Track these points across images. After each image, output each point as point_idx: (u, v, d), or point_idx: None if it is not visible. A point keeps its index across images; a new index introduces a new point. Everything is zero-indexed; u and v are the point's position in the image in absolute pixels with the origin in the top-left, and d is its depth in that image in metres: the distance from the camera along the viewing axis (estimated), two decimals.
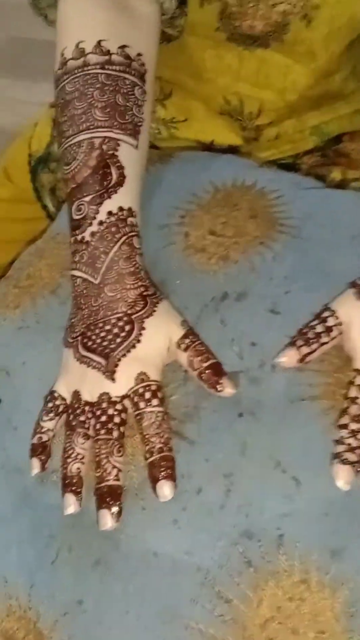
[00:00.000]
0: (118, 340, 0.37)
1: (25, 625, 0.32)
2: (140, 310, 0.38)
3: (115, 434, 0.35)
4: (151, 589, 0.31)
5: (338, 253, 0.40)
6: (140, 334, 0.37)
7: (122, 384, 0.36)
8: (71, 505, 0.34)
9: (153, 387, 0.36)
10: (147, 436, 0.34)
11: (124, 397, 0.36)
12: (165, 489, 0.33)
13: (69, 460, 0.35)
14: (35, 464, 0.36)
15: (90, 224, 0.40)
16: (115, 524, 0.32)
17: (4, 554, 0.33)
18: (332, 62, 0.54)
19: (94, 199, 0.41)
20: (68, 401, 0.38)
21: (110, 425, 0.35)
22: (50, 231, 0.50)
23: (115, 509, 0.33)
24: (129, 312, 0.38)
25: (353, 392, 0.34)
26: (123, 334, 0.37)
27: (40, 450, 0.37)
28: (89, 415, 0.36)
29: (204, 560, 0.30)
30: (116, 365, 0.37)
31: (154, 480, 0.33)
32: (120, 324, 0.38)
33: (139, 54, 0.44)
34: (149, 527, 0.32)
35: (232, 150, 0.60)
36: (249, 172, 0.47)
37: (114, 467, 0.34)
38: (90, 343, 0.38)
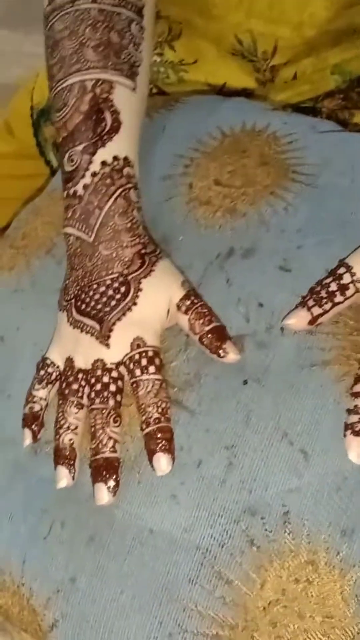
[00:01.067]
0: (113, 302, 0.35)
1: (19, 601, 0.31)
2: (137, 270, 0.35)
3: (110, 402, 0.33)
4: (147, 568, 0.29)
5: (357, 203, 0.36)
6: (137, 296, 0.35)
7: (117, 349, 0.34)
8: (64, 478, 0.32)
9: (150, 353, 0.33)
10: (143, 406, 0.32)
11: (119, 363, 0.34)
12: (162, 462, 0.30)
13: (61, 430, 0.33)
14: (27, 434, 0.34)
15: (83, 176, 0.37)
16: (111, 498, 0.30)
17: None
18: None
19: (86, 147, 0.38)
20: (61, 368, 0.35)
21: (105, 394, 0.33)
22: (48, 187, 0.47)
23: (111, 483, 0.31)
24: (124, 272, 0.35)
25: None
26: (118, 296, 0.35)
27: (32, 420, 0.35)
28: (83, 383, 0.34)
29: (203, 538, 0.28)
30: (111, 330, 0.34)
31: (151, 453, 0.31)
32: (116, 285, 0.35)
33: None
34: (145, 502, 0.30)
35: (245, 93, 0.56)
36: (260, 116, 0.43)
37: (110, 438, 0.32)
38: (84, 306, 0.35)
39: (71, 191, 0.38)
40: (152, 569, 0.29)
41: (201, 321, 0.34)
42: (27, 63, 1.54)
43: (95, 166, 0.37)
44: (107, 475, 0.31)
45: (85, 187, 0.37)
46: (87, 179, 0.37)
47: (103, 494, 0.31)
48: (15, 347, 0.38)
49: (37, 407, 0.35)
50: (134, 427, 0.32)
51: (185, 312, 0.34)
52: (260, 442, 0.30)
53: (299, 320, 0.32)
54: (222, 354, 0.32)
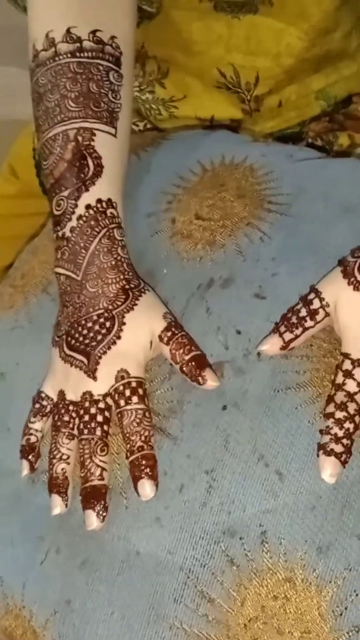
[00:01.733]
0: (99, 337, 0.37)
1: (22, 624, 0.33)
2: (120, 305, 0.38)
3: (98, 432, 0.35)
4: (135, 588, 0.30)
5: (329, 228, 0.38)
6: (121, 329, 0.37)
7: (103, 382, 0.36)
8: (57, 506, 0.34)
9: (133, 384, 0.35)
10: (127, 434, 0.34)
11: (106, 395, 0.36)
12: (146, 488, 0.32)
13: (54, 460, 0.35)
14: (25, 465, 0.37)
15: (70, 219, 0.40)
16: (100, 524, 0.32)
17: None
18: (327, 20, 0.50)
19: (71, 193, 0.40)
20: (55, 401, 0.38)
21: (92, 425, 0.35)
22: (46, 227, 0.50)
23: (99, 509, 0.32)
24: (109, 307, 0.38)
25: (339, 378, 0.32)
26: (104, 331, 0.37)
27: (29, 451, 0.37)
28: (73, 414, 0.36)
29: (186, 559, 0.30)
30: (97, 363, 0.36)
31: (135, 479, 0.32)
32: (101, 320, 0.37)
33: (113, 37, 0.43)
34: (132, 526, 0.31)
35: (234, 124, 0.58)
36: (239, 148, 0.45)
37: (98, 466, 0.34)
38: (73, 341, 0.38)
39: (60, 234, 0.40)
40: (139, 590, 0.30)
41: (181, 351, 0.36)
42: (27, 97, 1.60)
43: (80, 210, 0.40)
44: (95, 502, 0.33)
45: (72, 229, 0.40)
46: (73, 222, 0.40)
47: (92, 519, 0.32)
48: (14, 382, 0.40)
49: (33, 439, 0.37)
50: (122, 454, 0.34)
51: (167, 343, 0.36)
52: (237, 466, 0.31)
53: (271, 346, 0.34)
54: (201, 382, 0.34)
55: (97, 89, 0.42)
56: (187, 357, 0.35)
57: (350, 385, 0.32)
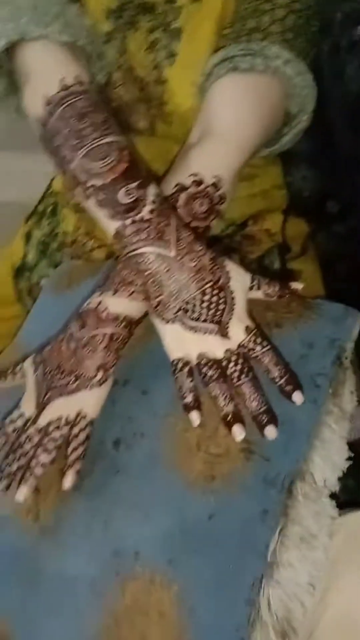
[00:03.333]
0: (221, 306, 0.50)
1: None
2: (221, 277, 0.51)
3: (250, 374, 0.49)
4: (63, 596, 0.47)
5: None
6: (233, 297, 0.51)
7: (236, 339, 0.50)
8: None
9: (258, 333, 0.51)
10: (271, 367, 0.49)
11: (240, 346, 0.50)
12: (297, 396, 0.48)
13: (227, 400, 0.49)
14: (195, 415, 0.49)
15: (146, 204, 0.51)
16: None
17: None
18: None
19: (141, 184, 0.51)
20: (193, 364, 0.50)
21: (246, 369, 0.49)
22: (14, 341, 0.68)
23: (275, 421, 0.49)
24: (214, 279, 0.50)
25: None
26: (222, 301, 0.50)
27: (198, 403, 0.49)
28: (218, 369, 0.49)
29: (92, 573, 0.47)
30: (227, 327, 0.50)
31: (289, 393, 0.49)
32: (215, 292, 0.50)
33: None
34: (60, 555, 0.49)
35: None
36: None
37: (261, 395, 0.49)
38: (196, 314, 0.50)
39: (137, 217, 0.50)
40: (67, 600, 0.47)
41: (272, 289, 0.53)
42: (22, 182, 1.77)
43: (151, 196, 0.52)
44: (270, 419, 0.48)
45: (151, 211, 0.50)
46: (150, 206, 0.51)
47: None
48: None
49: (196, 394, 0.50)
50: (47, 501, 0.51)
51: (259, 288, 0.53)
52: (123, 512, 0.49)
53: None
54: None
55: (115, 118, 0.56)
56: (278, 291, 0.53)
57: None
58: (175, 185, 0.56)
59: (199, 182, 0.55)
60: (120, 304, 0.53)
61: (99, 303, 0.53)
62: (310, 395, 0.50)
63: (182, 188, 0.56)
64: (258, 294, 0.53)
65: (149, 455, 0.50)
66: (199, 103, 0.62)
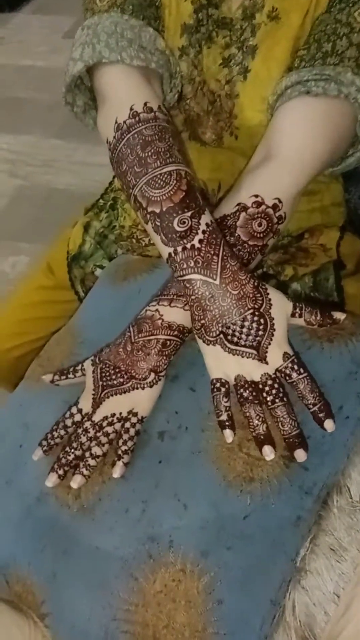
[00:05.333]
0: (260, 332, 0.52)
1: (27, 589, 0.52)
2: (263, 304, 0.53)
3: (285, 399, 0.52)
4: (94, 570, 0.49)
5: None
6: (273, 324, 0.53)
7: (274, 364, 0.53)
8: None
9: (296, 360, 0.52)
10: (305, 394, 0.51)
11: (277, 371, 0.52)
12: (328, 424, 0.50)
13: (257, 422, 0.51)
14: (229, 433, 0.51)
15: (196, 233, 0.53)
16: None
17: (14, 548, 0.54)
18: None
19: (194, 214, 0.54)
20: (231, 384, 0.53)
21: (281, 395, 0.52)
22: (68, 323, 0.70)
23: (306, 447, 0.50)
24: (256, 306, 0.53)
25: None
26: (261, 327, 0.52)
27: (231, 423, 0.52)
28: (254, 392, 0.52)
29: (125, 553, 0.49)
30: (266, 352, 0.53)
31: (321, 421, 0.50)
32: (256, 318, 0.52)
33: (160, 106, 0.61)
34: (95, 532, 0.51)
35: None
36: None
37: (295, 420, 0.51)
38: (235, 339, 0.53)
39: (188, 245, 0.53)
40: (96, 570, 0.49)
41: (313, 317, 0.55)
42: (77, 171, 1.85)
43: (202, 226, 0.54)
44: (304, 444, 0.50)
45: (200, 241, 0.53)
46: (200, 235, 0.53)
47: (301, 455, 0.49)
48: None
49: (228, 415, 0.52)
50: (90, 481, 0.53)
51: (300, 316, 0.55)
52: (161, 499, 0.50)
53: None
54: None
55: (180, 146, 0.60)
56: (320, 319, 0.55)
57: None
58: (237, 205, 0.58)
59: (259, 204, 0.58)
60: (175, 314, 0.56)
61: (155, 311, 0.57)
62: (355, 412, 0.52)
63: (243, 208, 0.58)
64: (299, 322, 0.55)
65: (191, 449, 0.52)
66: (267, 120, 0.64)
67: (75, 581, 0.50)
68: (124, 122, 0.58)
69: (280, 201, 0.57)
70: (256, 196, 0.57)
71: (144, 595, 0.47)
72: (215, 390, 0.54)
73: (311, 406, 0.51)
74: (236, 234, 0.57)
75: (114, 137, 0.59)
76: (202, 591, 0.47)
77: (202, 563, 0.47)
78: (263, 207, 0.57)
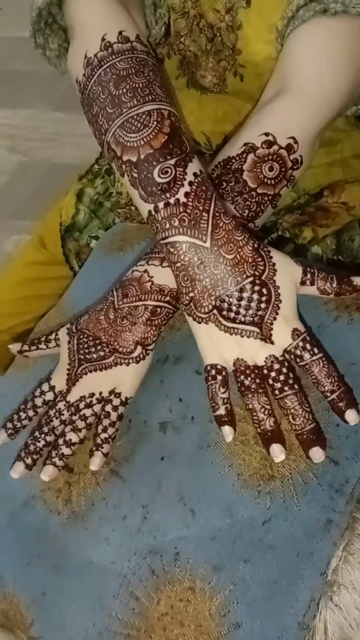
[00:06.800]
0: (263, 305, 0.43)
1: (14, 607, 0.45)
2: (265, 270, 0.43)
3: (296, 386, 0.42)
4: (88, 587, 0.42)
5: None
6: (278, 294, 0.43)
7: (281, 344, 0.43)
8: (279, 455, 0.41)
9: (308, 338, 0.43)
10: (320, 380, 0.42)
11: (285, 352, 0.43)
12: (350, 415, 0.41)
13: (263, 416, 0.42)
14: (228, 432, 0.42)
15: (181, 185, 0.43)
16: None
17: None
18: None
19: (178, 162, 0.44)
20: (230, 370, 0.44)
21: (291, 381, 0.42)
22: (59, 303, 0.62)
23: (322, 445, 0.41)
24: (256, 273, 0.43)
25: None
26: (264, 299, 0.43)
27: (230, 418, 0.43)
28: (258, 378, 0.43)
29: (123, 568, 0.42)
30: (271, 330, 0.43)
31: (341, 411, 0.41)
32: (257, 288, 0.43)
33: (138, 36, 0.51)
34: (89, 543, 0.43)
35: None
36: None
37: (310, 411, 0.42)
38: (232, 314, 0.43)
39: (171, 200, 0.43)
40: (91, 588, 0.42)
41: (328, 284, 0.44)
42: (80, 143, 1.77)
43: (189, 177, 0.44)
44: (318, 440, 0.41)
45: (186, 194, 0.43)
46: (186, 188, 0.43)
47: (318, 455, 0.40)
48: None
49: (229, 407, 0.43)
50: (84, 485, 0.46)
51: (312, 284, 0.45)
52: (165, 503, 0.43)
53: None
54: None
55: (164, 83, 0.49)
56: (336, 287, 0.44)
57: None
58: (243, 145, 0.49)
59: (270, 144, 0.48)
60: (167, 276, 0.47)
61: (144, 272, 0.47)
62: None
63: (251, 149, 0.48)
64: (311, 290, 0.45)
65: (199, 443, 0.44)
66: (277, 52, 0.55)
67: (67, 601, 0.43)
68: (95, 55, 0.49)
69: (295, 141, 0.48)
70: (267, 135, 0.48)
71: (147, 618, 0.40)
72: (210, 379, 0.44)
73: (328, 394, 0.42)
74: (242, 180, 0.47)
75: (84, 74, 0.49)
76: (216, 613, 0.39)
77: (215, 579, 0.40)
78: (275, 147, 0.47)
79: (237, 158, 0.48)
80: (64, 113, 1.90)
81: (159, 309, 0.47)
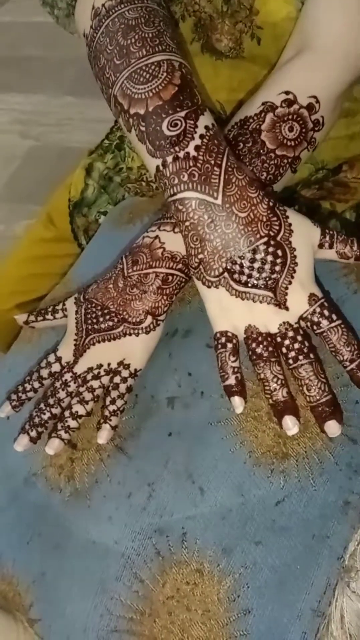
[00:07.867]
0: (277, 268, 0.40)
1: (12, 588, 0.43)
2: (280, 230, 0.40)
3: (312, 355, 0.40)
4: (89, 568, 0.40)
5: None
6: (295, 256, 0.40)
7: (296, 309, 0.40)
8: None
9: (326, 304, 0.40)
10: (339, 348, 0.39)
11: (301, 319, 0.40)
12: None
13: (276, 386, 0.39)
14: (238, 402, 0.40)
15: (192, 138, 0.41)
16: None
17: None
18: None
19: (189, 114, 0.41)
20: (240, 338, 0.42)
21: (306, 350, 0.40)
22: (63, 280, 0.60)
23: (339, 418, 0.38)
24: (271, 233, 0.40)
25: None
26: (279, 261, 0.40)
27: (240, 387, 0.40)
28: (271, 347, 0.40)
29: (127, 548, 0.39)
30: (286, 294, 0.40)
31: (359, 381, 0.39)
32: (271, 250, 0.40)
33: None
34: (91, 521, 0.41)
35: None
36: None
37: (326, 382, 0.39)
38: (245, 278, 0.40)
39: (181, 154, 0.40)
40: (92, 569, 0.40)
41: (348, 247, 0.41)
42: (92, 128, 1.75)
43: (201, 129, 0.41)
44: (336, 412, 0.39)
45: (197, 147, 0.40)
46: (197, 141, 0.41)
47: (334, 429, 0.38)
48: None
49: (238, 377, 0.41)
50: (87, 460, 0.43)
51: (331, 247, 0.42)
52: (172, 481, 0.40)
53: None
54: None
55: (176, 35, 0.46)
56: (357, 251, 0.41)
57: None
58: (262, 104, 0.46)
59: (290, 102, 0.45)
60: (179, 242, 0.44)
61: (155, 238, 0.45)
62: None
63: (270, 108, 0.46)
64: (330, 254, 0.42)
65: (209, 419, 0.42)
66: (296, 11, 0.52)
67: (68, 582, 0.40)
68: (103, 5, 0.46)
69: (317, 101, 0.45)
70: (287, 93, 0.45)
71: (152, 601, 0.38)
72: (219, 347, 0.42)
73: (348, 363, 0.39)
74: (260, 141, 0.45)
75: (91, 26, 0.46)
76: (224, 598, 0.37)
77: (224, 562, 0.37)
78: (295, 106, 0.45)
79: (255, 118, 0.45)
80: (76, 98, 1.88)
81: (170, 277, 0.44)
